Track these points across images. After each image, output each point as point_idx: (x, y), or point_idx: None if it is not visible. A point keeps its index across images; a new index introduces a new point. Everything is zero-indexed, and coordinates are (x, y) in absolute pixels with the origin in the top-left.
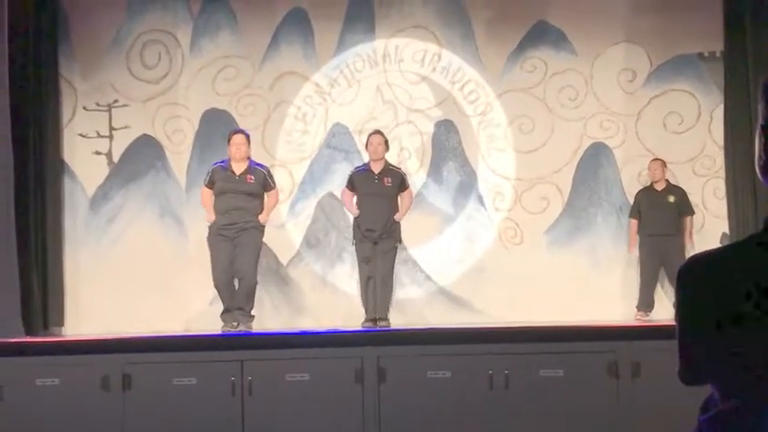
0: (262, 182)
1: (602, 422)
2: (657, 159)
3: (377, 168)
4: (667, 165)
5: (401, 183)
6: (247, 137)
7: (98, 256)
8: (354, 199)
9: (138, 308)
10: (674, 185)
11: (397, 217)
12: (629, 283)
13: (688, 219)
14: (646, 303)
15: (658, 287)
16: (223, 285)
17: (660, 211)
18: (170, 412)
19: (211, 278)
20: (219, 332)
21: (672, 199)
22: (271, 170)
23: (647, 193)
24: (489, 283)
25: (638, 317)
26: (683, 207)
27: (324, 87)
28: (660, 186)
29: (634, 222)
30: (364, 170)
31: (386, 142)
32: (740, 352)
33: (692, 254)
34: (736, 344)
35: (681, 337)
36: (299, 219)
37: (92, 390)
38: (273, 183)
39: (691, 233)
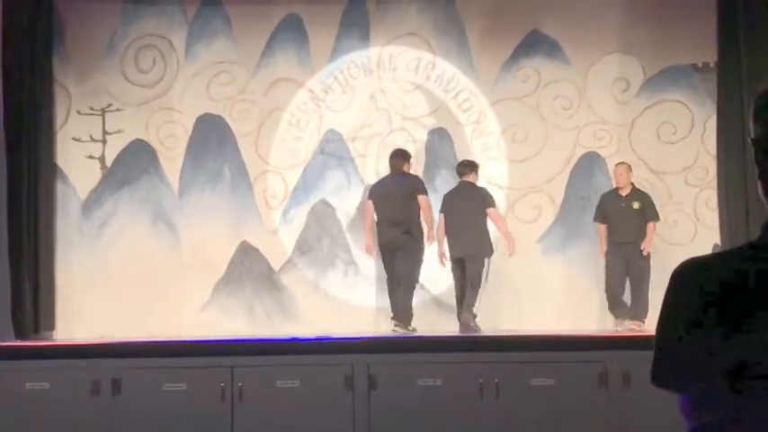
0: None
1: (593, 431)
2: (622, 163)
3: None
4: (633, 169)
5: None
6: None
7: (90, 261)
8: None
9: (130, 313)
10: (640, 191)
11: None
12: None
13: (651, 225)
14: (619, 310)
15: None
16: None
17: (625, 218)
18: (160, 418)
19: (205, 284)
20: (211, 338)
21: (636, 205)
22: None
23: (610, 198)
24: (481, 292)
25: (634, 326)
26: (649, 213)
27: (318, 94)
28: (625, 192)
29: (602, 227)
30: None
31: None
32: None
33: (651, 260)
34: (716, 349)
35: (660, 337)
36: (292, 225)
37: (82, 394)
38: None
39: (650, 239)
